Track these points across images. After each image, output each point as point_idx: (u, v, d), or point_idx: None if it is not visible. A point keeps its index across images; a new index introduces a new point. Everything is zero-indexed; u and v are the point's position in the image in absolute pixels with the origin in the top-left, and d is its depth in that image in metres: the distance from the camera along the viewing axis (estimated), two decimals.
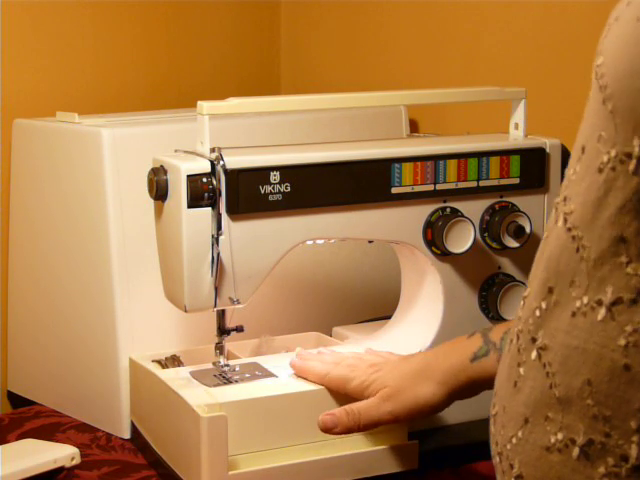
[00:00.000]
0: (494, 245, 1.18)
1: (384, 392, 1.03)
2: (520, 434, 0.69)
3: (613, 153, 0.63)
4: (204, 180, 1.05)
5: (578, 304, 0.65)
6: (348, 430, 1.03)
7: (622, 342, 0.62)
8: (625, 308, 0.62)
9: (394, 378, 1.04)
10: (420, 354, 1.09)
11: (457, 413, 1.19)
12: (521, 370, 0.69)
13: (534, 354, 0.68)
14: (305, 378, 1.10)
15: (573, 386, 0.64)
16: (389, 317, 1.25)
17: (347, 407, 1.04)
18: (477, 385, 1.02)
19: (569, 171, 0.68)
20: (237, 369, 1.13)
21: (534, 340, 0.68)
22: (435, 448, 1.14)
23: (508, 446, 0.70)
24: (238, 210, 1.07)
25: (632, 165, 0.61)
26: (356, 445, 1.09)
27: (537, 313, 0.68)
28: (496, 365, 0.88)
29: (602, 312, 0.63)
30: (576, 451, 0.64)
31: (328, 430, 1.03)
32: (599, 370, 0.63)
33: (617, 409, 0.62)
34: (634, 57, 0.61)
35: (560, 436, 0.65)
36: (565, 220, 0.67)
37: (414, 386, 1.03)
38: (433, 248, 1.16)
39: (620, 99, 0.62)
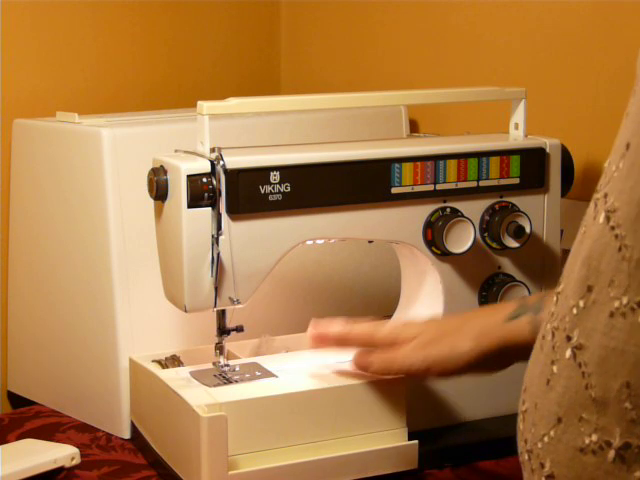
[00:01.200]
0: (494, 245, 1.18)
1: (422, 338, 1.03)
2: (552, 433, 0.68)
3: None
4: (204, 180, 1.05)
5: (617, 304, 0.64)
6: (382, 371, 1.05)
7: None
8: None
9: (430, 329, 1.04)
10: (454, 315, 1.09)
11: (457, 413, 1.19)
12: (554, 368, 0.68)
13: (569, 353, 0.67)
14: (324, 344, 1.08)
15: (610, 388, 0.63)
16: (389, 317, 1.25)
17: (381, 351, 1.04)
18: (508, 349, 0.99)
19: (610, 167, 0.67)
20: (237, 369, 1.13)
21: (569, 338, 0.67)
22: (435, 448, 1.14)
23: (539, 444, 0.69)
24: (238, 210, 1.07)
25: None
26: (356, 445, 1.09)
27: (574, 311, 0.67)
28: (527, 328, 0.94)
29: None
30: (612, 454, 0.63)
31: (363, 368, 1.05)
32: (638, 373, 0.62)
33: None
34: None
35: (595, 438, 0.64)
36: (607, 218, 0.65)
37: (451, 337, 1.02)
38: (433, 248, 1.16)
39: None
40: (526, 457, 0.71)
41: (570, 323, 0.67)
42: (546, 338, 0.71)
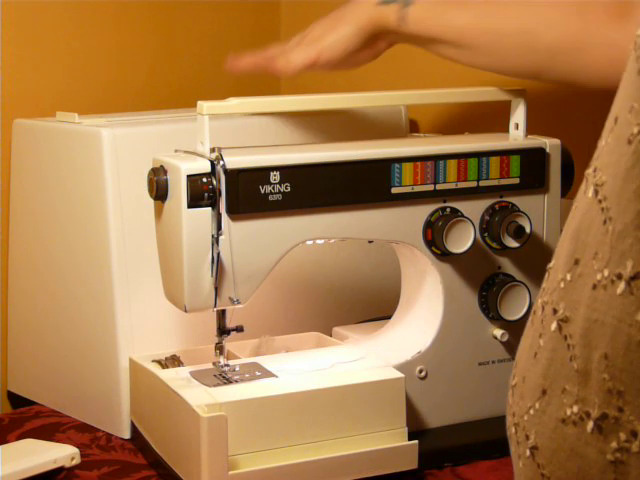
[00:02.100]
0: (494, 245, 1.18)
1: (308, 37, 1.20)
2: (537, 405, 0.68)
3: None
4: (204, 180, 1.05)
5: (599, 277, 0.64)
6: (283, 67, 1.20)
7: (639, 317, 0.61)
8: None
9: (318, 23, 1.22)
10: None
11: (457, 413, 1.19)
12: (541, 341, 0.69)
13: (554, 325, 0.67)
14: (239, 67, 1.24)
15: (591, 359, 0.64)
16: (389, 317, 1.25)
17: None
18: (377, 32, 1.18)
19: (601, 142, 0.67)
20: (237, 369, 1.13)
21: (555, 311, 0.68)
22: (435, 448, 1.14)
23: (525, 417, 0.69)
24: (238, 210, 1.07)
25: None
26: (356, 445, 1.09)
27: (562, 285, 0.68)
28: (393, 17, 1.14)
29: (622, 286, 0.62)
30: (590, 425, 0.64)
31: (246, 68, 1.24)
32: (615, 344, 0.62)
33: (630, 384, 0.62)
34: None
35: (576, 409, 0.65)
36: (596, 192, 0.65)
37: (334, 29, 1.18)
38: (433, 248, 1.17)
39: None
40: (513, 430, 0.72)
41: (557, 296, 0.68)
42: (536, 313, 0.71)
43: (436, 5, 1.13)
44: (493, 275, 1.19)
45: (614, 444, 0.62)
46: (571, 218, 0.70)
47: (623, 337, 0.62)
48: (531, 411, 0.69)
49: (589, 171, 0.68)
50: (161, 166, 1.07)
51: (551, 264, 0.71)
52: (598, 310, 0.64)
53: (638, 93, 0.63)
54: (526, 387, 0.70)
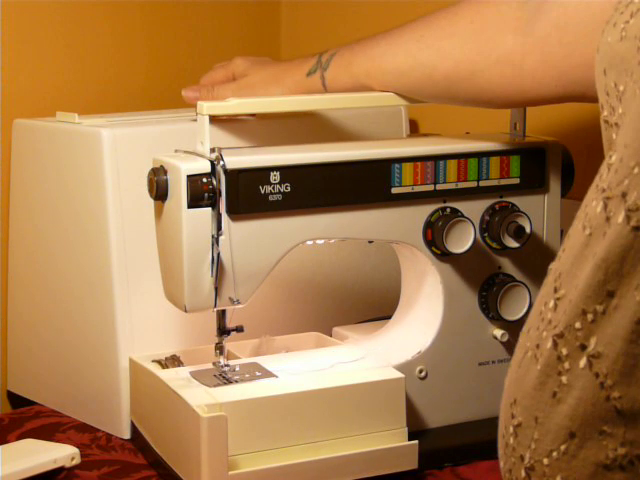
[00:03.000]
0: (494, 245, 1.18)
1: (242, 81, 1.24)
2: (563, 448, 0.65)
3: None
4: (204, 180, 1.05)
5: None
6: (203, 97, 1.22)
7: None
8: None
9: (257, 72, 1.23)
10: (276, 64, 1.27)
11: (457, 413, 1.19)
12: (563, 379, 0.65)
13: (583, 362, 0.64)
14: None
15: (638, 398, 0.61)
16: (389, 317, 1.25)
17: (209, 85, 1.24)
18: None
19: (626, 163, 0.64)
20: (237, 369, 1.13)
21: (584, 347, 0.64)
22: (435, 448, 1.14)
23: (545, 461, 0.66)
24: (238, 210, 1.07)
25: None
26: (356, 445, 1.09)
27: (590, 317, 0.64)
28: (319, 83, 1.19)
29: None
30: None
31: (190, 100, 1.22)
32: None
33: None
34: None
35: (622, 451, 0.62)
36: (628, 217, 0.62)
37: (268, 86, 1.21)
38: (433, 248, 1.17)
39: None
40: (522, 474, 0.68)
41: (585, 330, 0.64)
42: (542, 347, 0.68)
43: (343, 59, 1.19)
44: (493, 275, 1.19)
45: None
46: (585, 246, 0.66)
47: None
48: (554, 454, 0.65)
49: (610, 194, 0.65)
50: (161, 166, 1.07)
51: (559, 294, 0.68)
52: None
53: None
54: (542, 429, 0.66)
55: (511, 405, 0.70)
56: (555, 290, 0.68)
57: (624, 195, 0.63)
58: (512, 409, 0.70)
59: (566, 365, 0.65)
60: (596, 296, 0.64)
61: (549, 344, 0.67)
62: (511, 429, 0.70)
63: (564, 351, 0.65)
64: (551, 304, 0.68)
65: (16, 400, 1.38)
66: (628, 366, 0.61)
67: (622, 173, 0.64)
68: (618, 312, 0.63)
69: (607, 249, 0.64)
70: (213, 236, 1.06)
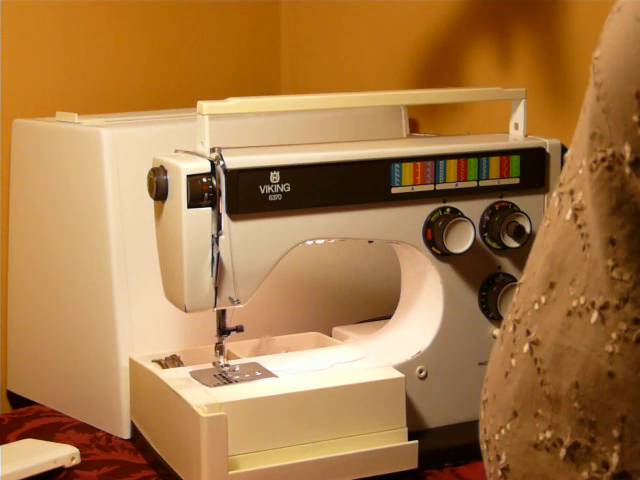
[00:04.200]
0: (494, 245, 1.18)
1: None
2: (509, 426, 0.68)
3: (609, 152, 0.62)
4: (204, 180, 1.05)
5: (575, 303, 0.64)
6: None
7: (608, 348, 0.61)
8: (611, 313, 0.61)
9: None
10: None
11: (457, 413, 1.19)
12: (513, 361, 0.69)
13: (526, 347, 0.67)
14: None
15: (562, 387, 0.64)
16: (389, 317, 1.25)
17: None
18: None
19: (574, 161, 0.66)
20: (237, 369, 1.13)
21: (528, 333, 0.67)
22: (435, 448, 1.14)
23: (496, 436, 0.70)
24: (238, 210, 1.07)
25: (627, 169, 0.61)
26: (356, 445, 1.09)
27: (536, 306, 0.67)
28: None
29: (595, 315, 0.62)
30: (563, 452, 0.64)
31: None
32: (586, 374, 0.62)
33: (601, 415, 0.62)
34: (630, 59, 0.60)
35: (549, 434, 0.65)
36: (575, 216, 0.65)
37: None
38: (433, 248, 1.17)
39: (613, 101, 0.61)
40: (484, 447, 0.72)
41: (531, 318, 0.68)
42: (507, 329, 0.71)
43: None
44: (493, 275, 1.19)
45: (585, 473, 0.62)
46: (543, 236, 0.69)
47: (593, 367, 0.62)
48: (502, 431, 0.69)
49: (562, 190, 0.67)
50: (161, 166, 1.07)
51: (522, 280, 0.71)
52: (571, 337, 0.64)
53: (598, 119, 0.63)
54: (497, 406, 0.70)
55: (485, 381, 0.74)
56: (522, 276, 0.72)
57: (572, 192, 0.66)
58: (485, 385, 0.74)
59: (516, 349, 0.69)
60: (543, 286, 0.67)
61: (510, 327, 0.70)
62: (482, 404, 0.74)
63: (518, 336, 0.69)
64: (517, 288, 0.72)
65: (16, 400, 1.38)
66: (556, 355, 0.64)
67: (572, 171, 0.67)
68: (556, 304, 0.65)
69: (555, 243, 0.67)
70: (213, 236, 1.06)
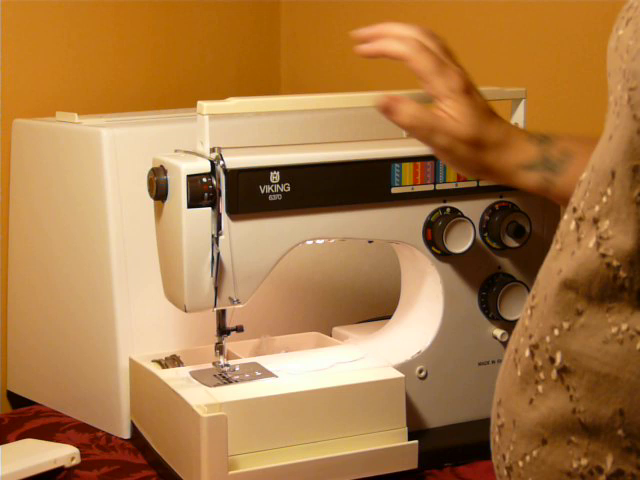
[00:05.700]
0: (494, 245, 1.18)
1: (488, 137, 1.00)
2: (535, 453, 0.67)
3: None
4: (204, 180, 1.05)
5: (614, 330, 0.63)
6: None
7: None
8: None
9: (500, 132, 1.01)
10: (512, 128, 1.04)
11: (457, 413, 1.19)
12: (539, 388, 0.68)
13: (554, 374, 0.66)
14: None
15: (602, 414, 0.63)
16: (389, 317, 1.25)
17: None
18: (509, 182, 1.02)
19: (595, 188, 0.66)
20: (237, 369, 1.13)
21: (552, 360, 0.66)
22: (435, 448, 1.14)
23: (520, 463, 0.68)
24: (238, 210, 1.07)
25: None
26: (356, 445, 1.09)
27: (556, 332, 0.66)
28: (535, 181, 0.97)
29: None
30: (602, 479, 0.63)
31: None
32: (633, 401, 0.62)
33: None
34: None
35: (584, 462, 0.64)
36: (598, 244, 0.65)
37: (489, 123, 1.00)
38: (433, 248, 1.16)
39: None
40: (504, 473, 0.70)
41: (551, 344, 0.67)
42: (520, 352, 0.70)
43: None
44: (493, 275, 1.19)
45: None
46: (554, 259, 0.69)
47: None
48: (527, 458, 0.68)
49: (580, 215, 0.67)
50: (161, 166, 1.07)
51: (533, 302, 0.70)
52: (610, 364, 0.63)
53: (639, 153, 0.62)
54: (519, 432, 0.69)
55: (497, 405, 0.72)
56: (532, 297, 0.71)
57: (595, 221, 0.66)
58: (498, 409, 0.72)
59: (542, 375, 0.67)
60: (564, 313, 0.66)
61: (527, 353, 0.69)
62: (496, 428, 0.72)
63: (539, 362, 0.68)
64: (528, 311, 0.70)
65: (16, 400, 1.38)
66: (592, 383, 0.64)
67: (592, 198, 0.66)
68: (585, 330, 0.65)
69: (576, 270, 0.66)
70: (213, 236, 1.06)
